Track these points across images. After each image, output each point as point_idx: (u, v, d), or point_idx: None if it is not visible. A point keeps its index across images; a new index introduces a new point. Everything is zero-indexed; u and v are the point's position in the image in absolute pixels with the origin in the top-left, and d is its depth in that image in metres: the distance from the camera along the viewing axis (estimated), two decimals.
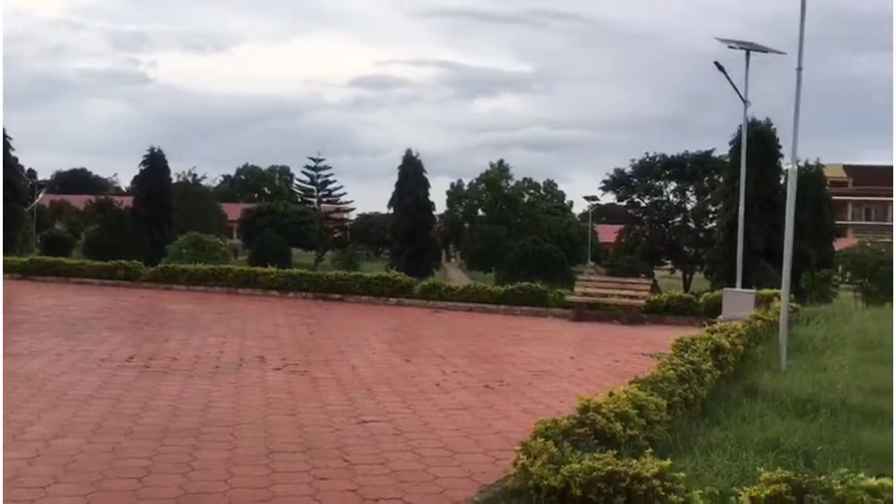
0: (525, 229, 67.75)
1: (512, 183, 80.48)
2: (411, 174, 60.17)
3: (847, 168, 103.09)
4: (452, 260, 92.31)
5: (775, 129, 35.53)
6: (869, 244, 26.06)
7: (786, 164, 33.56)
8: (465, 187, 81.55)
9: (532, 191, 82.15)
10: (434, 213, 65.26)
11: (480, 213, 79.85)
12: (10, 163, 49.07)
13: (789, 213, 11.82)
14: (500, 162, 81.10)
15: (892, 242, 37.09)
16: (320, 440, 7.44)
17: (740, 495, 4.71)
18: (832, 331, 13.21)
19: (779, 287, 12.54)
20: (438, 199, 74.82)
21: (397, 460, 6.86)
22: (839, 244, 39.94)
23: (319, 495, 5.89)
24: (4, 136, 48.48)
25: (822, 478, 4.72)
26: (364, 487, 6.09)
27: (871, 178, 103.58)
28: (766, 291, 19.68)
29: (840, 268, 28.54)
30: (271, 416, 8.37)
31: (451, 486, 6.23)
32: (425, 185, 61.26)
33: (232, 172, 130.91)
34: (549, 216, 76.53)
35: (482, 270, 67.00)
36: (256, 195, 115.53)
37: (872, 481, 4.59)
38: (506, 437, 7.69)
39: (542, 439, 5.30)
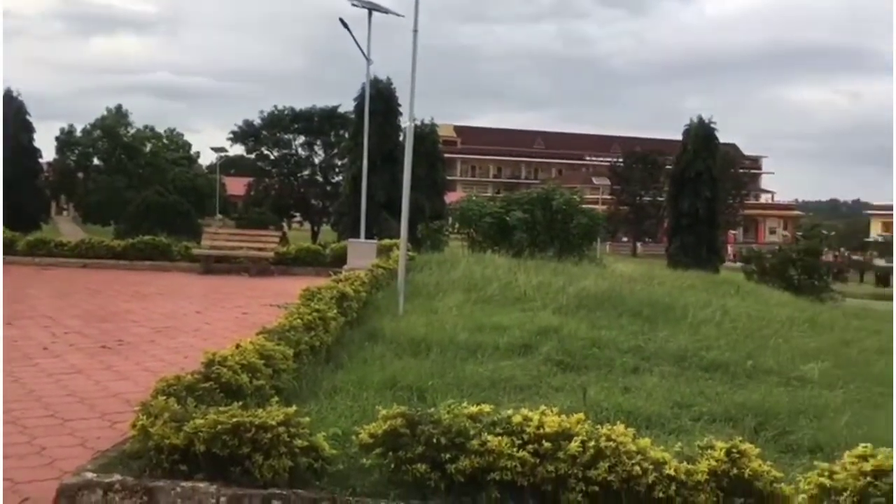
0: (148, 180, 63.86)
1: (132, 131, 75.25)
2: (12, 117, 53.18)
3: (457, 128, 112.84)
4: (65, 213, 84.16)
5: (395, 88, 37.52)
6: (474, 198, 28.87)
7: (404, 121, 35.70)
8: (79, 133, 74.42)
9: (154, 140, 77.57)
10: (41, 160, 58.63)
11: (97, 161, 73.60)
12: None
13: (407, 168, 12.61)
14: (119, 107, 75.31)
15: (492, 196, 41.56)
16: None
17: (360, 433, 4.97)
18: (443, 276, 14.43)
19: (398, 237, 13.37)
20: (47, 146, 67.48)
21: None
22: (450, 197, 43.75)
23: None
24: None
25: (432, 409, 5.16)
26: None
27: (476, 138, 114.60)
28: (387, 241, 20.89)
29: (450, 219, 31.29)
30: None
31: (62, 455, 5.72)
32: (30, 129, 54.64)
33: None
34: (175, 167, 72.97)
35: (100, 224, 62.10)
36: None
37: (473, 408, 5.13)
38: (125, 399, 7.25)
39: (164, 397, 5.08)
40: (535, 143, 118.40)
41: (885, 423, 7.07)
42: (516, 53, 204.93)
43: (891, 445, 5.11)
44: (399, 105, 36.85)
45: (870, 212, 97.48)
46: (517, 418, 5.03)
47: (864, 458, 4.88)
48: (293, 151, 68.67)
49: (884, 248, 73.62)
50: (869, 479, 4.74)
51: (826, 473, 4.89)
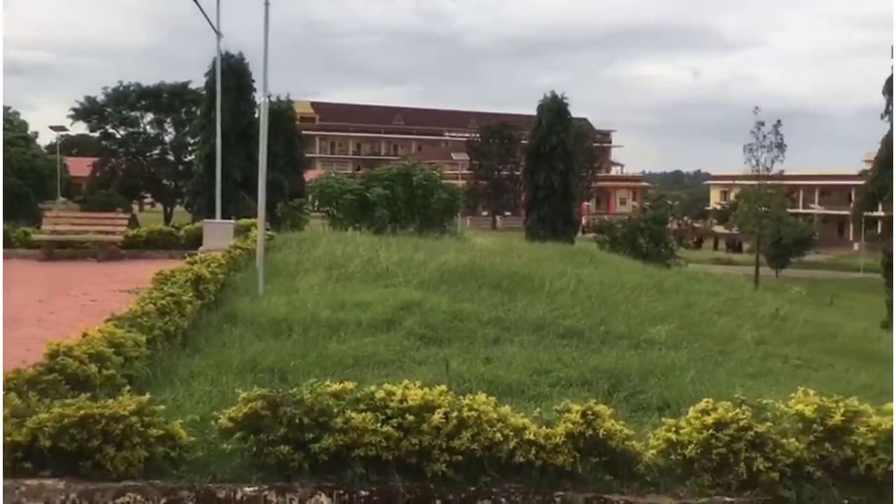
0: None
1: None
2: None
3: (314, 105, 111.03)
4: None
5: (248, 63, 36.47)
6: (334, 175, 28.58)
7: (259, 97, 34.76)
8: None
9: None
10: None
11: None
12: None
13: (263, 145, 12.29)
14: None
15: (352, 173, 41.32)
16: None
17: (220, 418, 4.85)
18: (304, 255, 14.23)
19: (256, 216, 13.04)
20: None
21: None
22: (309, 175, 43.10)
23: None
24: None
25: (294, 390, 5.08)
26: None
27: (335, 114, 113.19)
28: (244, 221, 20.33)
29: (310, 197, 30.89)
30: None
31: None
32: None
33: None
34: (11, 147, 68.02)
35: None
36: None
37: (336, 386, 5.10)
38: None
39: (4, 392, 4.76)
40: (394, 119, 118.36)
41: (724, 378, 7.58)
42: (374, 29, 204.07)
43: (729, 399, 5.48)
44: (253, 80, 35.91)
45: (709, 182, 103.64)
46: (381, 394, 5.04)
47: (706, 412, 5.21)
48: (141, 130, 65.52)
49: (721, 216, 78.40)
50: (711, 431, 5.07)
51: (673, 429, 5.20)
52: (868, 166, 53.32)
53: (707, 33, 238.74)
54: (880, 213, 33.16)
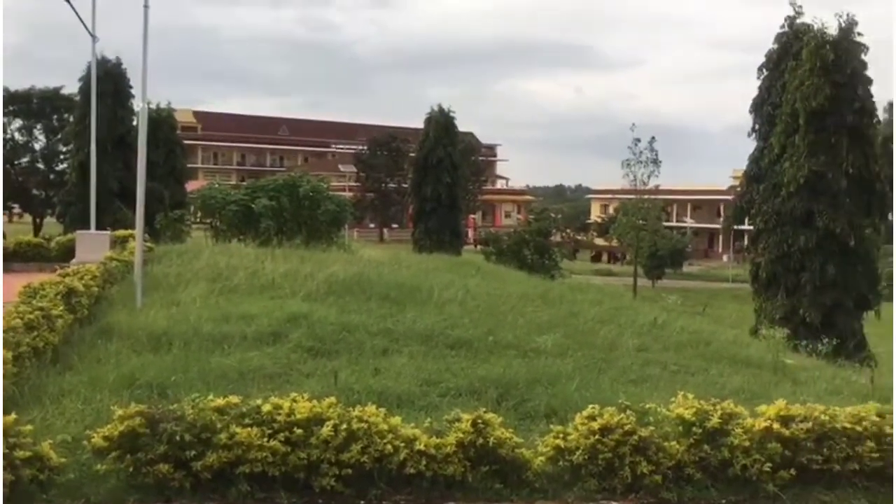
0: None
1: None
2: None
3: (197, 114, 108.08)
4: None
5: (126, 68, 35.11)
6: (217, 185, 27.78)
7: (138, 104, 33.51)
8: None
9: None
10: None
11: None
12: None
13: (141, 153, 11.82)
14: None
15: (236, 184, 40.32)
16: None
17: (94, 437, 4.59)
18: (185, 267, 13.74)
19: (134, 228, 12.51)
20: None
21: None
22: (191, 186, 41.79)
23: None
24: None
25: (175, 405, 4.87)
26: None
27: (218, 124, 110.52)
28: (121, 232, 19.51)
29: (192, 208, 29.87)
30: None
31: None
32: None
33: None
34: None
35: None
36: None
37: (220, 401, 4.91)
38: None
39: None
40: (279, 129, 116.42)
41: (608, 385, 7.78)
42: (259, 37, 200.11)
43: (613, 405, 5.61)
44: (131, 87, 34.54)
45: (590, 195, 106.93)
46: (267, 407, 4.90)
47: (592, 418, 5.32)
48: (9, 136, 61.95)
49: (601, 229, 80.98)
50: (597, 436, 5.18)
51: (561, 435, 5.28)
52: (735, 182, 56.37)
53: (589, 52, 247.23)
54: (747, 226, 35.10)
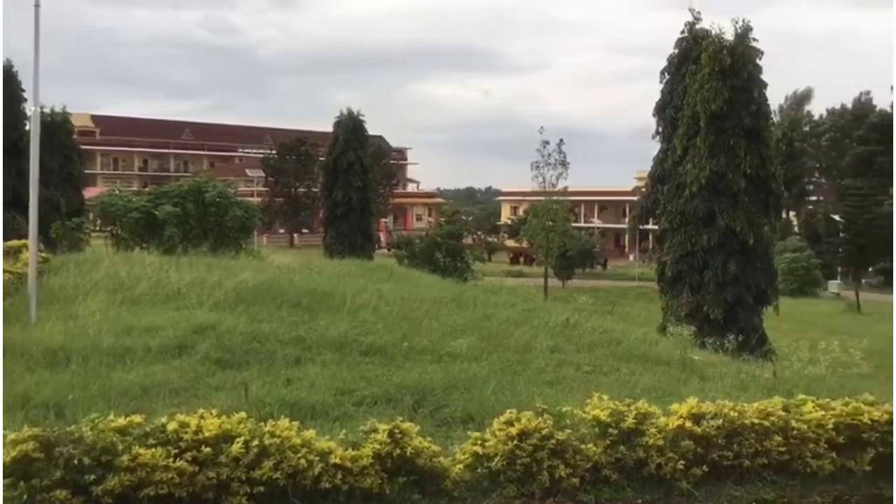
0: None
1: None
2: None
3: (95, 118, 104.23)
4: None
5: (17, 71, 33.56)
6: (118, 192, 26.75)
7: (30, 108, 32.02)
8: None
9: None
10: None
11: None
12: None
13: (34, 159, 11.24)
14: None
15: (138, 190, 39.01)
16: None
17: None
18: (84, 278, 13.14)
19: (28, 237, 11.89)
20: None
21: None
22: (89, 192, 40.18)
23: None
24: None
25: (73, 427, 4.59)
26: None
27: (118, 128, 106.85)
28: (13, 243, 18.50)
29: (91, 216, 28.71)
30: None
31: None
32: None
33: None
34: None
35: None
36: None
37: (121, 420, 4.65)
38: None
39: None
40: (183, 134, 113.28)
41: (524, 387, 7.78)
42: (159, 40, 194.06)
43: (529, 408, 5.59)
44: (23, 90, 32.99)
45: (500, 198, 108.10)
46: (173, 426, 4.67)
47: (510, 423, 5.28)
48: None
49: (512, 230, 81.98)
50: (515, 442, 5.14)
51: (479, 442, 5.22)
52: (640, 183, 57.92)
53: (496, 55, 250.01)
54: (652, 226, 36.15)
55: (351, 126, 42.73)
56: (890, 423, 5.85)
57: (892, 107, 73.52)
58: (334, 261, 25.17)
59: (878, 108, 73.99)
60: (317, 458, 4.72)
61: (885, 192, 57.29)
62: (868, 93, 76.92)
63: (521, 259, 75.74)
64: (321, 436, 5.03)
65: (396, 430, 4.98)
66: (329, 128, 44.85)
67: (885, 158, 60.59)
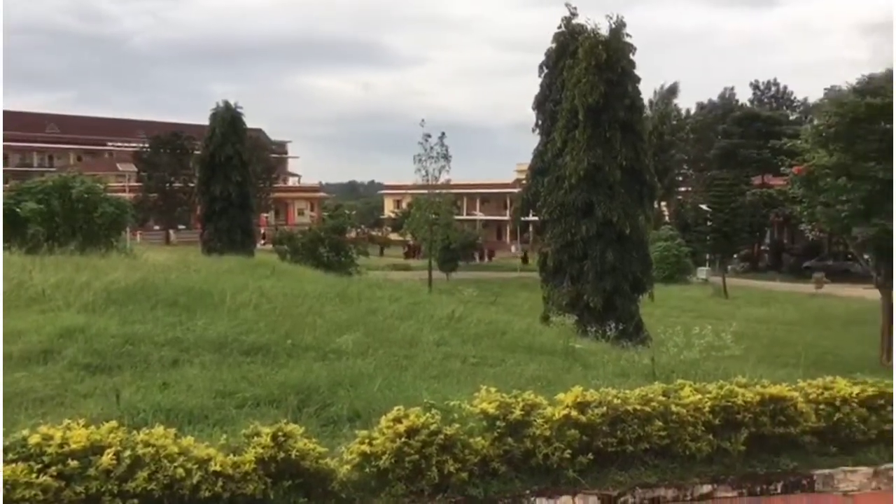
0: None
1: None
2: None
3: None
4: None
5: None
6: None
7: None
8: None
9: None
10: None
11: None
12: None
13: None
14: None
15: None
16: None
17: None
18: None
19: None
20: None
21: None
22: None
23: None
24: None
25: None
26: None
27: None
28: None
29: None
30: None
31: None
32: None
33: None
34: None
35: None
36: None
37: None
38: None
39: None
40: (47, 127, 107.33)
41: (411, 382, 7.71)
42: (18, 27, 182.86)
43: (417, 403, 5.52)
44: None
45: (383, 191, 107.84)
46: (35, 438, 4.34)
47: (398, 420, 5.18)
48: None
49: (395, 224, 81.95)
50: (404, 439, 5.05)
51: (366, 441, 5.10)
52: (520, 176, 58.98)
53: (376, 48, 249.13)
54: (533, 217, 36.94)
55: (228, 118, 41.54)
56: (762, 403, 6.10)
57: (750, 102, 77.85)
58: (213, 258, 24.38)
59: (739, 103, 78.16)
60: (195, 467, 4.48)
61: (747, 182, 60.59)
62: (732, 88, 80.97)
63: (412, 252, 75.76)
64: (200, 442, 4.80)
65: (280, 433, 4.80)
66: (205, 121, 43.47)
67: (747, 151, 64.27)
